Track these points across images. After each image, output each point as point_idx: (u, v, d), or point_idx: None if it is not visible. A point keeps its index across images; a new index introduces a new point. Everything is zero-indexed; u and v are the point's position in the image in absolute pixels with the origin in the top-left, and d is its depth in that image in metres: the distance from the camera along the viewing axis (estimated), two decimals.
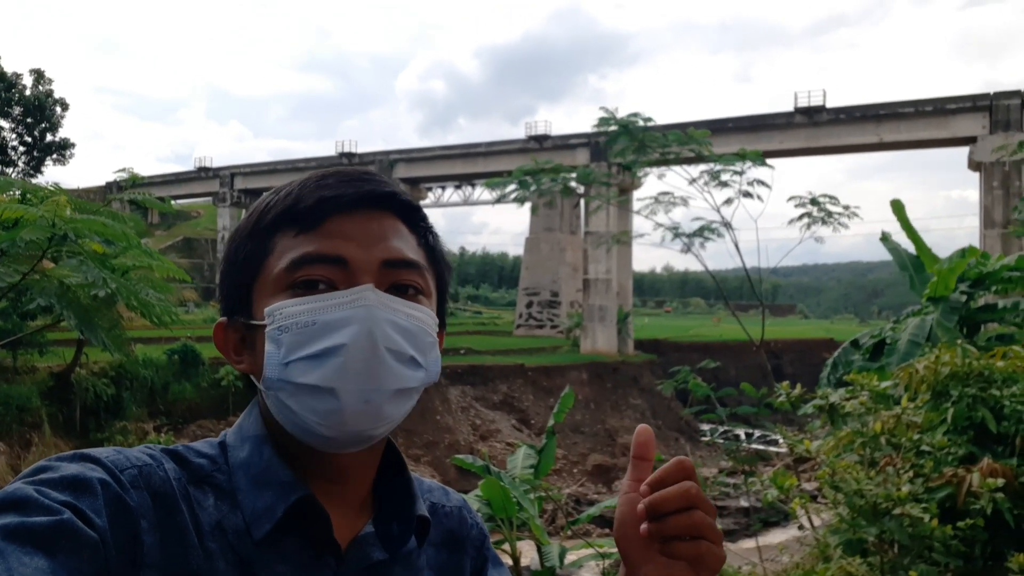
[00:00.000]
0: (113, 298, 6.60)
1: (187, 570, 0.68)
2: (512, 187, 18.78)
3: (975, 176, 28.88)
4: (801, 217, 14.92)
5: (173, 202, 46.15)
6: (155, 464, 0.71)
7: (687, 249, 15.87)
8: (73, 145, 41.55)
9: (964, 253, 10.54)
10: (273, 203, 0.79)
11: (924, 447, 4.66)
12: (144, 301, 6.75)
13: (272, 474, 0.75)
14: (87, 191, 42.80)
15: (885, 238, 11.55)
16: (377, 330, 0.72)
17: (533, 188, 18.36)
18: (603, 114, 16.22)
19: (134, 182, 9.23)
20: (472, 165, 39.69)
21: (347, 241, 0.76)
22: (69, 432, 18.52)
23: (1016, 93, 27.70)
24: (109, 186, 46.11)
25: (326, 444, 0.75)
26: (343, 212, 0.77)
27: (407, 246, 0.79)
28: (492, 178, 24.81)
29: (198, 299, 42.77)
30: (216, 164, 48.85)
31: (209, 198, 50.49)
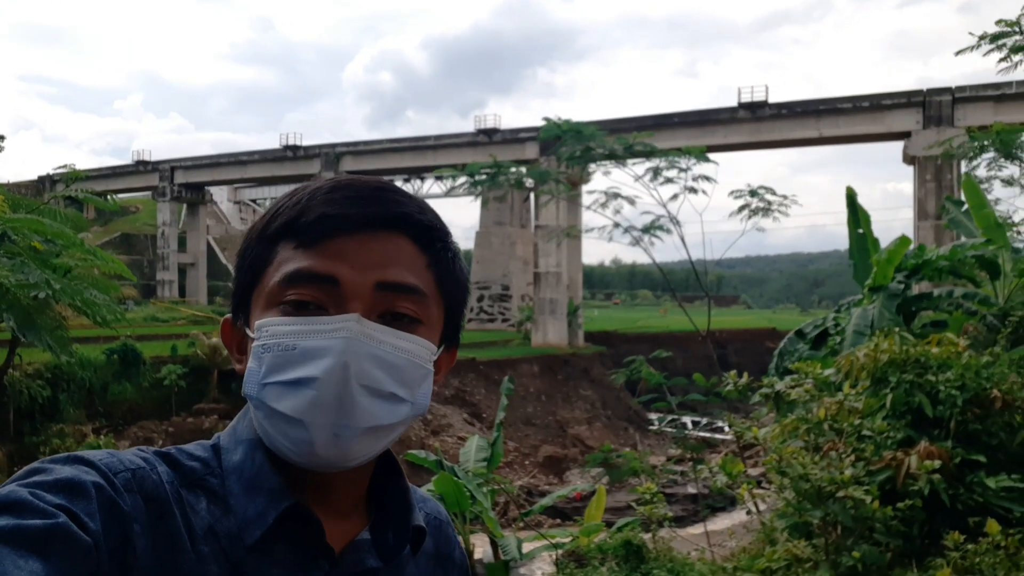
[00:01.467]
0: (55, 298, 6.33)
1: (178, 574, 0.68)
2: (462, 179, 18.89)
3: (910, 170, 29.96)
4: (742, 209, 15.36)
5: (110, 197, 44.65)
6: (148, 468, 0.71)
7: (636, 242, 16.15)
8: (2, 138, 39.84)
9: (898, 244, 10.93)
10: (282, 209, 0.77)
11: (865, 432, 4.83)
12: (88, 301, 6.50)
13: (264, 480, 0.75)
14: (18, 185, 41.12)
15: (852, 193, 11.84)
16: (353, 364, 0.70)
17: (484, 180, 18.47)
18: (550, 119, 16.51)
19: (75, 178, 8.84)
20: (421, 158, 39.38)
21: (342, 262, 0.73)
22: (3, 435, 17.78)
23: (947, 90, 28.77)
24: (42, 180, 44.33)
25: (301, 466, 0.74)
26: (345, 232, 0.74)
27: (410, 270, 0.76)
28: (442, 171, 24.80)
29: (138, 297, 41.52)
30: (155, 157, 47.35)
31: (148, 192, 48.97)
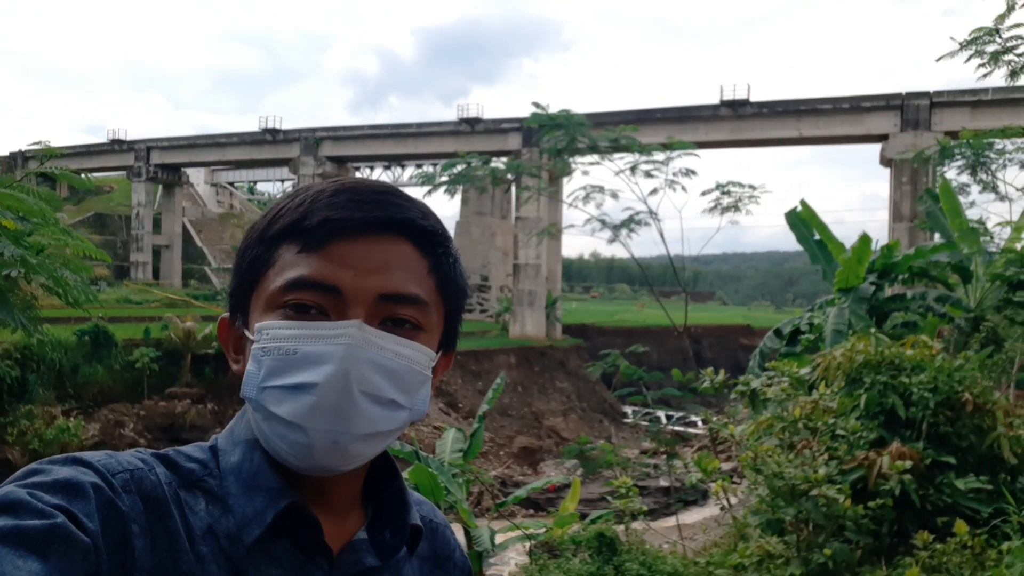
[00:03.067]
0: (28, 277, 6.22)
1: (178, 574, 0.67)
2: (442, 178, 18.92)
3: (886, 172, 30.35)
4: (715, 206, 15.54)
5: (84, 175, 43.71)
6: (146, 468, 0.71)
7: (614, 239, 16.29)
8: None
9: (860, 243, 10.94)
10: (284, 211, 0.77)
11: (839, 431, 4.90)
12: (60, 281, 6.39)
13: (262, 480, 0.75)
14: None
15: (795, 213, 11.90)
16: (354, 371, 0.70)
17: (456, 179, 18.50)
18: (535, 108, 16.47)
19: (48, 155, 8.66)
20: (402, 146, 39.11)
21: (344, 268, 0.73)
22: None
23: (925, 94, 29.16)
24: (14, 156, 43.44)
25: (297, 469, 0.75)
26: (347, 236, 0.74)
27: (411, 277, 0.76)
28: (422, 159, 24.73)
29: (111, 277, 40.91)
30: (131, 136, 46.53)
31: (123, 172, 48.13)
